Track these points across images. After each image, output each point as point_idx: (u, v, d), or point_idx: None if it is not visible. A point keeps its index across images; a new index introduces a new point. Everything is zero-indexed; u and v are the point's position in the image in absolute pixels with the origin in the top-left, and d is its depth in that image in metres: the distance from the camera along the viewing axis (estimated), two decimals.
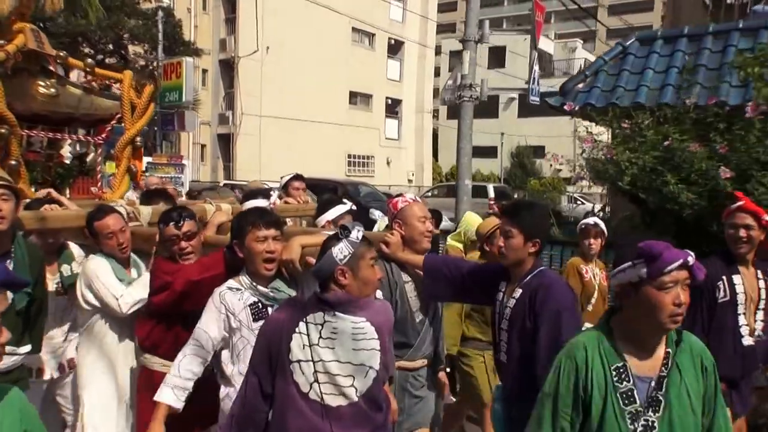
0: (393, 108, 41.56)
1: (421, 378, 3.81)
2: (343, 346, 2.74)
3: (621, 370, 2.35)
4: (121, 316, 3.92)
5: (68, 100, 5.67)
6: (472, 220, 5.83)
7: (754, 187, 5.43)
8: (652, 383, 2.36)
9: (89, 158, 5.99)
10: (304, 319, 2.74)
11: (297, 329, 2.73)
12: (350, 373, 2.75)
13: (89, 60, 5.92)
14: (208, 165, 34.33)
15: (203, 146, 34.25)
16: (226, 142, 34.15)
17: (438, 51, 45.41)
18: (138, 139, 5.70)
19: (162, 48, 24.13)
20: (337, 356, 2.74)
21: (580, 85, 8.11)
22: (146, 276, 3.97)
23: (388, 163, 40.31)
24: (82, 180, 6.02)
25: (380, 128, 40.19)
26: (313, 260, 3.01)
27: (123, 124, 5.72)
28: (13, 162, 4.92)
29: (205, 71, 33.79)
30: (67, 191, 5.80)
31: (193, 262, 3.60)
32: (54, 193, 4.61)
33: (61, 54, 5.62)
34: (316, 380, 2.71)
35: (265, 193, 4.95)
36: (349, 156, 38.57)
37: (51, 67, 5.55)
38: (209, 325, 3.16)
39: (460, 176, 11.12)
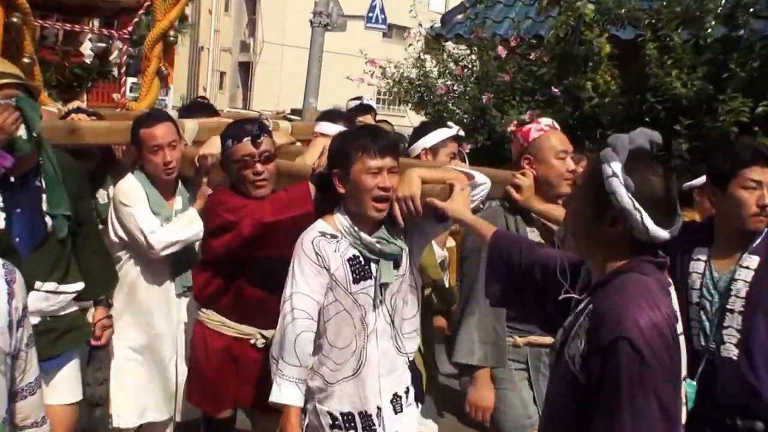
0: None
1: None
2: None
3: None
4: (153, 257, 3.38)
5: None
6: None
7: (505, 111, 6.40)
8: None
9: (112, 57, 5.63)
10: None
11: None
12: None
13: None
14: (226, 93, 34.14)
15: (223, 74, 33.94)
16: (246, 71, 33.88)
17: None
18: (171, 33, 5.04)
19: None
20: None
21: (460, 16, 8.29)
22: (192, 212, 3.44)
23: None
24: (102, 84, 5.68)
25: None
26: (438, 202, 2.53)
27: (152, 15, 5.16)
28: (26, 60, 4.35)
29: None
30: (85, 97, 5.46)
31: (266, 199, 3.01)
32: (84, 106, 4.07)
33: None
34: None
35: (348, 119, 4.11)
36: (379, 93, 37.76)
37: None
38: (312, 286, 2.60)
39: (306, 97, 11.90)
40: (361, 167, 2.54)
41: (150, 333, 3.53)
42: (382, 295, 2.62)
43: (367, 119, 5.05)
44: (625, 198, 1.73)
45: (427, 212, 2.59)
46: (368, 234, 2.61)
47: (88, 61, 5.40)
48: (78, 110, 3.79)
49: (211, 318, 3.17)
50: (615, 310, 1.71)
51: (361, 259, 2.62)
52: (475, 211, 2.98)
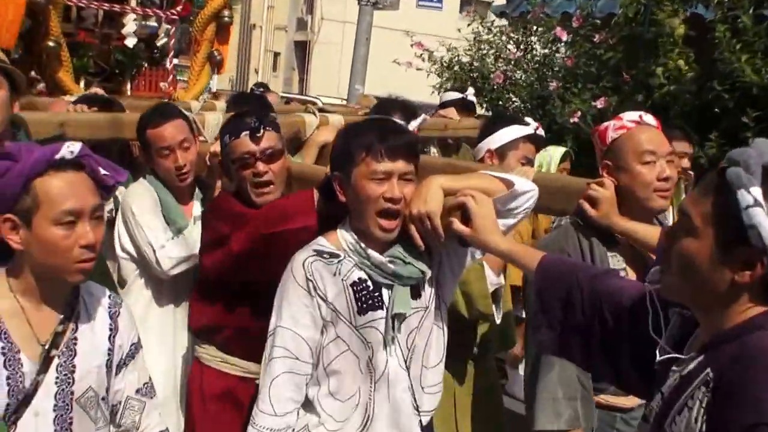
0: None
1: (635, 423, 2.80)
2: None
3: None
4: (163, 277, 3.18)
5: None
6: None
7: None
8: None
9: (159, 41, 5.38)
10: None
11: None
12: None
13: None
14: (280, 76, 33.71)
15: (276, 54, 33.56)
16: (303, 51, 33.46)
17: None
18: (225, 13, 4.93)
19: None
20: None
21: None
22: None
23: None
24: (150, 71, 5.55)
25: None
26: (457, 224, 2.16)
27: None
28: (51, 43, 4.27)
29: None
30: (128, 85, 5.33)
31: (265, 206, 2.77)
32: (102, 93, 3.87)
33: None
34: None
35: (408, 109, 3.77)
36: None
37: None
38: (300, 320, 2.28)
39: (352, 80, 11.55)
40: (364, 171, 2.21)
41: (164, 372, 3.27)
42: (395, 329, 2.27)
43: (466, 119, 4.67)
44: None
45: (450, 234, 2.21)
46: (379, 252, 2.25)
47: (130, 44, 5.10)
48: (86, 99, 3.54)
49: (211, 354, 2.87)
50: (752, 384, 1.42)
51: (370, 283, 2.27)
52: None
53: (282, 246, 2.45)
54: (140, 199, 3.21)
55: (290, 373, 2.24)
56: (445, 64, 7.34)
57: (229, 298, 2.77)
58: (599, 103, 5.71)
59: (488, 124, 3.48)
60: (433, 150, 4.71)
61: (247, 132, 2.71)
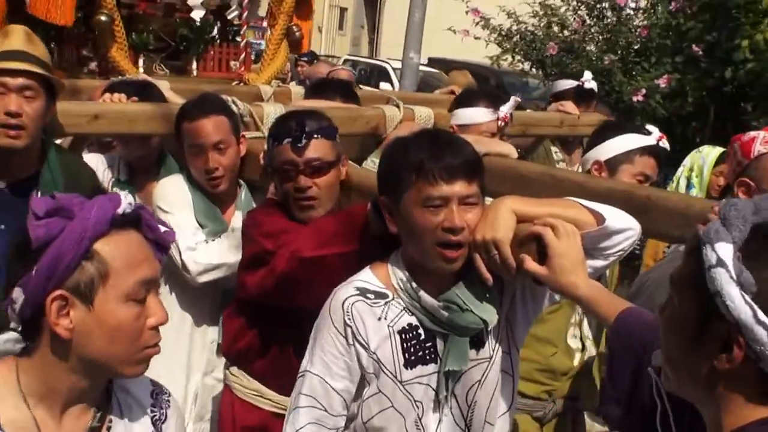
0: None
1: None
2: None
3: None
4: (192, 283, 3.03)
5: None
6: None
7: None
8: None
9: (230, 13, 5.15)
10: None
11: None
12: None
13: None
14: (347, 35, 32.72)
15: (343, 10, 32.64)
16: (373, 6, 32.23)
17: None
18: None
19: None
20: None
21: None
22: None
23: None
24: (219, 48, 5.09)
25: None
26: (529, 261, 1.94)
27: None
28: (103, 18, 4.07)
29: None
30: (194, 64, 4.95)
31: (311, 224, 2.64)
32: (149, 80, 3.73)
33: None
34: None
35: (493, 96, 3.60)
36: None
37: None
38: (332, 368, 2.16)
39: (406, 48, 10.97)
40: (416, 197, 2.03)
41: (178, 380, 3.16)
42: (448, 388, 2.10)
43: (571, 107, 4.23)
44: (740, 304, 1.15)
45: (523, 268, 2.04)
46: (434, 294, 2.06)
47: (196, 17, 4.80)
48: (122, 83, 3.42)
49: (244, 385, 2.77)
50: None
51: (421, 330, 2.11)
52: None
53: (327, 271, 2.35)
54: (170, 193, 3.09)
55: (317, 425, 2.11)
56: (503, 34, 7.21)
57: (270, 323, 2.66)
58: (662, 82, 5.62)
59: (600, 131, 3.24)
60: (554, 149, 4.22)
61: (289, 140, 2.55)
